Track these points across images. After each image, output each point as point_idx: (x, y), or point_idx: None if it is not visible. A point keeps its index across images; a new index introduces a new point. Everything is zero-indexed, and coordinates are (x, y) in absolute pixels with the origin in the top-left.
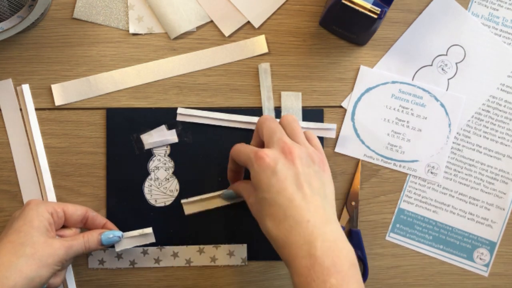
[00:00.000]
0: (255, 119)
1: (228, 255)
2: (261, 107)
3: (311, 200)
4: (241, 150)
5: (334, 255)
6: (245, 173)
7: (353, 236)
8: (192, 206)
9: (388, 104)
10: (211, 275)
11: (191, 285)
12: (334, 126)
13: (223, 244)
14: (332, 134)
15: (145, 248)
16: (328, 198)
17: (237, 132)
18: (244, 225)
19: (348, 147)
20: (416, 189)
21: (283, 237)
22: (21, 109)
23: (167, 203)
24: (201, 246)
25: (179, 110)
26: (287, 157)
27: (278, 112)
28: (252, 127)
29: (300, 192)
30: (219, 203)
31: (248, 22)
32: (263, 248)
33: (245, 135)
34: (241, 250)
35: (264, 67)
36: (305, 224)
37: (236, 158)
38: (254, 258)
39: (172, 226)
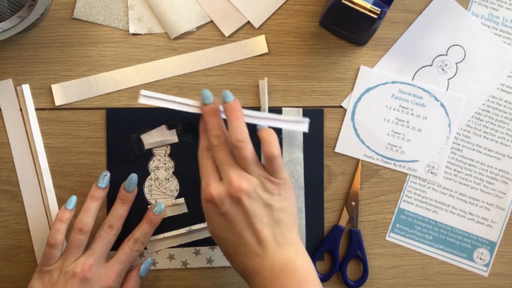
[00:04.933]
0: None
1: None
2: (260, 107)
3: (260, 234)
4: (201, 167)
5: (283, 279)
6: None
7: (353, 236)
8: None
9: (388, 104)
10: (211, 275)
11: (191, 285)
12: (307, 120)
13: None
14: (304, 128)
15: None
16: (282, 222)
17: None
18: None
19: (348, 147)
20: (416, 189)
21: (239, 269)
22: (21, 109)
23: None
24: (197, 248)
25: (142, 92)
26: (233, 196)
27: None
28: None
29: (249, 229)
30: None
31: (248, 22)
32: None
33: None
34: None
35: (262, 83)
36: (254, 258)
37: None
38: None
39: (171, 226)
